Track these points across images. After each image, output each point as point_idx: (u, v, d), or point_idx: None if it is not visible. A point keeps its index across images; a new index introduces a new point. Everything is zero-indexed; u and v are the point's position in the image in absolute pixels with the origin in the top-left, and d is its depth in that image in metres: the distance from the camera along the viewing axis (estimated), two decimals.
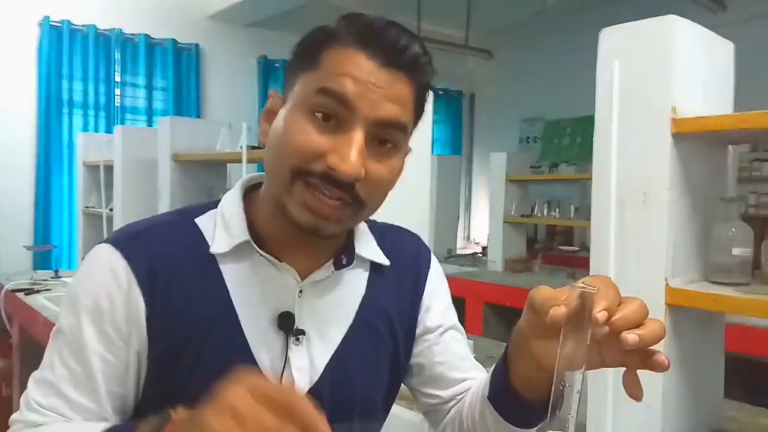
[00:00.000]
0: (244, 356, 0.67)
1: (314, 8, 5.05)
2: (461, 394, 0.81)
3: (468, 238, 7.22)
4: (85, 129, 4.57)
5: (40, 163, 4.45)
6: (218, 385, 0.47)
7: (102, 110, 4.71)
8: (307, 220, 0.64)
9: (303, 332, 0.70)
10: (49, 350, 0.68)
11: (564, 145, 6.35)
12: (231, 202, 0.72)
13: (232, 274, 0.69)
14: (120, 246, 0.67)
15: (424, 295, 0.82)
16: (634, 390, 0.55)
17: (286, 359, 0.69)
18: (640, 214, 1.12)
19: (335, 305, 0.73)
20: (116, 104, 4.80)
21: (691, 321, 1.15)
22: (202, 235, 0.70)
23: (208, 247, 0.69)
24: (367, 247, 0.77)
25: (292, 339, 0.69)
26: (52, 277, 3.36)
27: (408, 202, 1.99)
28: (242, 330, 0.68)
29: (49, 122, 4.46)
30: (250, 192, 0.74)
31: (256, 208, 0.72)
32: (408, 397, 1.56)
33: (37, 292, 3.03)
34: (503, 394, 0.69)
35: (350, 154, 0.61)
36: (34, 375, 0.68)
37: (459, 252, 5.63)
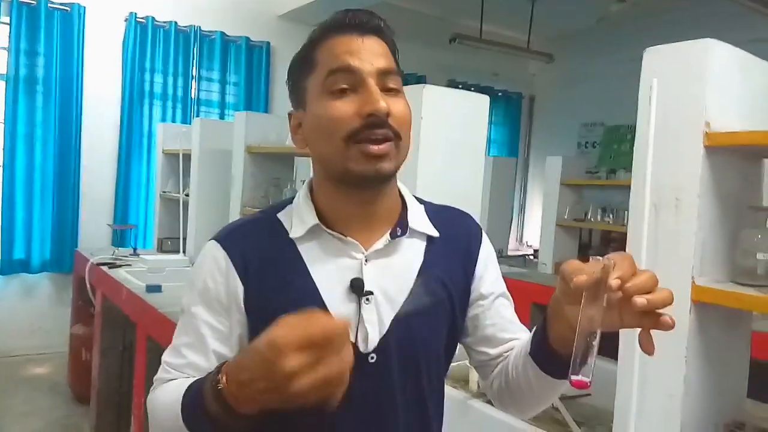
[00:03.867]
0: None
1: (380, 10, 5.22)
2: (508, 352, 0.94)
3: (520, 240, 7.26)
4: (163, 119, 4.91)
5: (121, 149, 4.81)
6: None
7: (179, 102, 5.04)
8: (368, 168, 0.80)
9: (371, 293, 0.85)
10: (178, 324, 0.89)
11: (624, 151, 6.31)
12: (302, 196, 0.90)
13: (308, 252, 0.86)
14: (220, 240, 0.88)
15: (477, 265, 0.95)
16: (647, 346, 0.67)
17: (360, 316, 0.85)
18: (672, 218, 1.23)
19: (396, 271, 0.88)
20: (192, 97, 5.12)
21: (716, 318, 1.25)
22: (283, 226, 0.88)
23: (287, 233, 0.87)
24: (419, 221, 0.91)
25: (363, 300, 0.85)
26: (131, 254, 3.67)
27: (461, 201, 2.12)
28: (321, 296, 0.84)
29: (132, 112, 4.82)
30: (314, 187, 0.92)
31: (320, 197, 0.88)
32: (453, 377, 1.72)
33: (119, 266, 3.34)
34: (542, 351, 0.82)
35: (376, 98, 0.79)
36: (171, 343, 0.89)
37: (510, 253, 5.71)
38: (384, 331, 0.86)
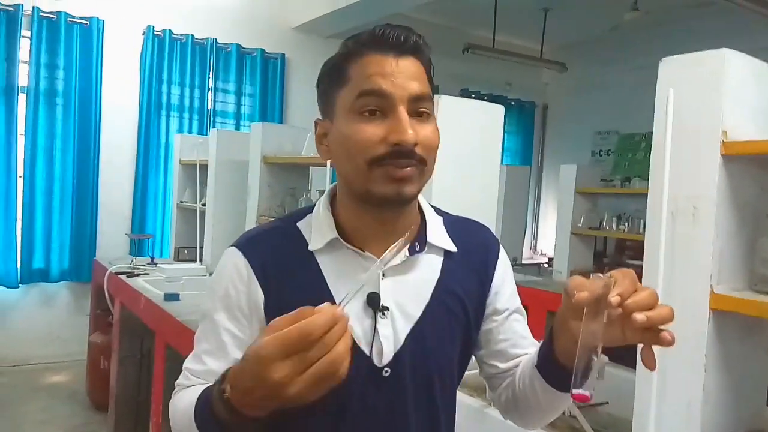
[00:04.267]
0: None
1: (393, 21, 5.24)
2: (517, 366, 0.94)
3: (534, 248, 7.24)
4: (180, 130, 4.97)
5: (139, 160, 4.88)
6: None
7: (195, 113, 5.10)
8: (391, 190, 0.80)
9: (387, 308, 0.85)
10: (198, 330, 0.90)
11: (638, 159, 6.29)
12: (322, 208, 0.89)
13: (327, 265, 0.86)
14: (241, 248, 0.88)
15: (494, 280, 0.95)
16: (648, 362, 0.69)
17: (375, 331, 0.84)
18: (690, 226, 1.24)
19: (413, 286, 0.88)
20: (208, 108, 5.18)
21: (734, 326, 1.25)
22: (302, 236, 0.88)
23: (307, 244, 0.87)
24: (438, 236, 0.91)
25: (379, 314, 0.84)
26: (149, 263, 3.71)
27: (476, 210, 2.13)
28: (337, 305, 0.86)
29: (149, 123, 4.90)
30: (335, 198, 0.90)
31: (340, 210, 0.88)
32: (470, 386, 1.72)
33: (137, 275, 3.38)
34: (548, 363, 0.83)
35: (405, 127, 0.78)
36: (193, 350, 0.90)
37: (525, 261, 5.69)
38: (399, 346, 0.86)
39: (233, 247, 0.89)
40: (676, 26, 5.33)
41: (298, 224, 0.91)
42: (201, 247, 3.68)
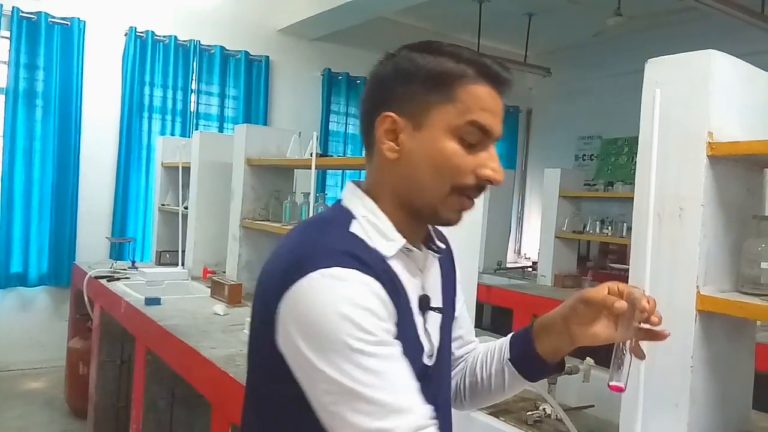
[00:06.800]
0: (414, 335, 0.82)
1: (377, 24, 5.27)
2: (468, 353, 1.02)
3: (518, 252, 7.26)
4: (162, 132, 4.91)
5: (120, 163, 4.81)
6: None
7: (178, 116, 5.05)
8: (455, 218, 0.83)
9: (440, 308, 0.89)
10: (372, 382, 0.76)
11: (621, 163, 6.34)
12: (372, 211, 0.82)
13: (397, 269, 0.81)
14: (357, 267, 0.73)
15: (457, 278, 1.00)
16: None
17: (426, 330, 0.85)
18: (676, 227, 1.24)
19: (433, 284, 0.89)
20: (191, 110, 5.13)
21: (721, 327, 1.25)
22: (364, 242, 0.79)
23: (378, 251, 0.78)
24: (437, 236, 0.93)
25: (429, 312, 0.86)
26: (129, 267, 3.65)
27: None
28: (413, 313, 0.82)
29: (131, 125, 4.83)
30: (377, 199, 0.84)
31: (387, 210, 0.83)
32: None
33: (117, 279, 3.33)
34: (528, 358, 0.91)
35: (498, 167, 0.82)
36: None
37: (509, 265, 5.70)
38: (437, 343, 0.87)
39: (351, 270, 0.73)
40: (659, 32, 5.39)
41: (352, 231, 0.81)
42: (183, 251, 3.63)
